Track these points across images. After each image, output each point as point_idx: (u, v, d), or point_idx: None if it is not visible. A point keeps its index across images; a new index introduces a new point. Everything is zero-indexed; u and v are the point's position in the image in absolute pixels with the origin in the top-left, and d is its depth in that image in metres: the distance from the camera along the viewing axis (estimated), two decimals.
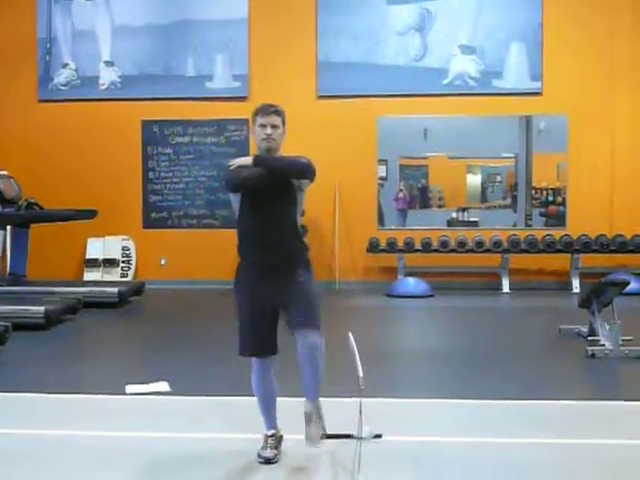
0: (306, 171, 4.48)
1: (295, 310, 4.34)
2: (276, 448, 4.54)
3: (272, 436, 4.57)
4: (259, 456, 4.48)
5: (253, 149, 14.23)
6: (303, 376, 4.38)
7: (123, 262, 13.33)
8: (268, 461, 4.45)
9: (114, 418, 5.49)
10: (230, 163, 4.49)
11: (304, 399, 4.41)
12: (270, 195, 4.42)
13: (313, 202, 12.57)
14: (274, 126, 4.47)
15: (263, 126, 4.46)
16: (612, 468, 4.42)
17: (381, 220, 13.16)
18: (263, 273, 4.43)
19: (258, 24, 13.08)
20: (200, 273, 13.04)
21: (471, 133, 12.93)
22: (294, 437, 4.71)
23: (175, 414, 5.60)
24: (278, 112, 4.51)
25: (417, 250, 12.67)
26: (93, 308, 10.37)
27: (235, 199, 4.53)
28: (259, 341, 4.48)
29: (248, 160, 4.43)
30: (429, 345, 8.46)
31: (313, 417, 4.36)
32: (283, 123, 4.53)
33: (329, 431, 4.67)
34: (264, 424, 4.61)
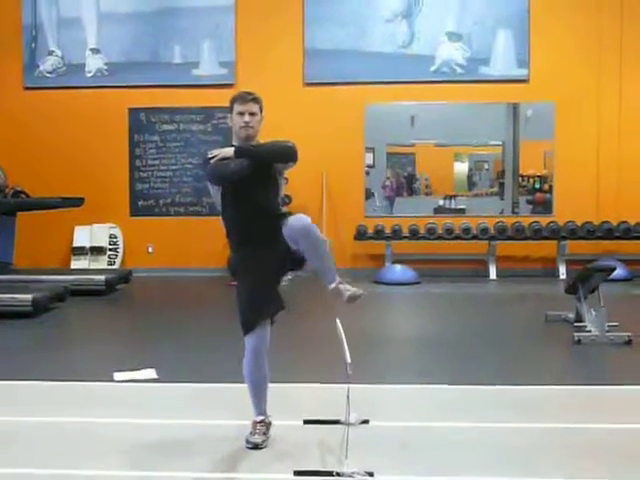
0: (291, 154, 4.48)
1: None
2: (264, 434, 4.54)
3: (261, 422, 4.58)
4: (247, 441, 4.49)
5: None
6: (315, 266, 4.36)
7: (110, 250, 13.30)
8: (256, 446, 4.46)
9: (102, 405, 5.49)
10: (210, 155, 4.48)
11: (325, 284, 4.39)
12: (253, 184, 4.42)
13: (300, 189, 12.63)
14: (252, 113, 4.49)
15: (241, 114, 4.48)
16: (598, 452, 4.45)
17: (368, 207, 13.17)
18: (255, 253, 4.44)
19: (245, 11, 13.04)
20: (187, 260, 13.04)
21: (458, 120, 12.94)
22: (282, 423, 4.73)
23: (163, 401, 5.60)
24: (256, 99, 4.54)
25: (404, 237, 12.70)
26: (80, 296, 10.35)
27: (216, 190, 4.53)
28: (269, 303, 4.50)
29: (229, 152, 4.42)
30: (416, 332, 8.48)
31: (340, 289, 4.35)
32: (260, 110, 4.55)
33: (318, 417, 4.69)
34: (253, 410, 4.61)
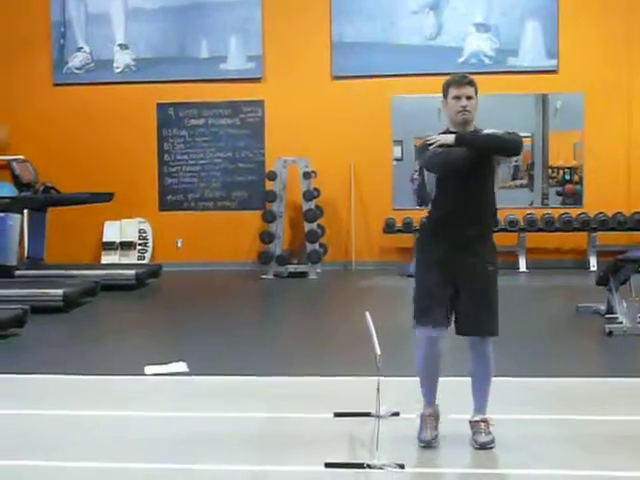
0: (517, 147, 4.36)
1: (475, 307, 4.43)
2: (435, 428, 4.46)
3: (430, 415, 4.49)
4: (420, 440, 4.42)
5: (269, 130, 14.07)
6: (473, 387, 4.50)
7: (140, 245, 13.36)
8: (429, 444, 4.37)
9: (133, 399, 5.53)
10: (429, 140, 4.33)
11: (473, 409, 4.48)
12: (473, 174, 4.30)
13: (328, 183, 12.64)
14: (469, 97, 4.34)
15: (458, 98, 4.33)
16: (630, 443, 4.42)
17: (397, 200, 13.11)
18: (449, 247, 4.38)
19: (271, 4, 13.02)
20: (216, 255, 13.04)
21: (487, 112, 12.59)
22: (313, 416, 4.73)
23: (194, 394, 5.63)
24: (472, 82, 4.38)
25: None
26: (111, 291, 10.41)
27: (432, 177, 4.40)
28: (438, 312, 4.44)
29: (449, 138, 4.26)
30: None
31: (482, 426, 4.39)
32: (476, 93, 4.39)
33: (348, 409, 4.69)
34: (424, 401, 4.56)
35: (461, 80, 4.37)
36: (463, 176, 4.28)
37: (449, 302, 4.44)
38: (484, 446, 4.31)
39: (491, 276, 4.49)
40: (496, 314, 4.50)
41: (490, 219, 4.53)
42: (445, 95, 4.40)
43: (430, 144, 4.31)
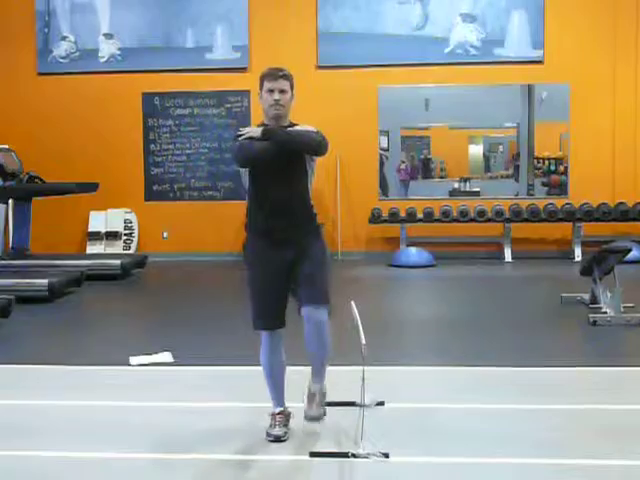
0: (318, 148, 4.29)
1: (305, 282, 4.25)
2: (285, 426, 4.44)
3: (280, 414, 4.48)
4: (268, 434, 4.39)
5: (255, 119, 14.04)
6: (310, 357, 4.37)
7: (125, 235, 13.34)
8: (278, 439, 4.35)
9: (118, 389, 5.52)
10: (238, 133, 4.32)
11: (310, 378, 4.41)
12: (281, 168, 4.26)
13: (315, 174, 12.61)
14: (282, 91, 4.30)
15: (271, 91, 4.29)
16: (614, 433, 4.45)
17: (384, 191, 13.14)
18: (272, 245, 4.29)
19: None
20: (202, 245, 13.05)
21: (473, 103, 12.86)
22: (298, 405, 4.73)
23: (179, 384, 5.63)
24: (286, 76, 4.35)
25: (419, 220, 12.66)
26: (96, 281, 10.40)
27: (244, 171, 4.37)
28: (270, 314, 4.33)
29: (257, 131, 4.25)
30: (431, 314, 8.47)
31: (317, 398, 4.36)
32: (291, 87, 4.36)
33: (333, 399, 4.70)
34: (272, 401, 4.51)
35: (275, 73, 4.33)
36: (271, 167, 4.25)
37: (283, 294, 4.35)
38: (312, 418, 4.35)
39: (314, 254, 4.33)
40: (324, 287, 4.30)
41: (305, 214, 4.40)
42: (260, 87, 4.36)
43: (239, 135, 4.31)
